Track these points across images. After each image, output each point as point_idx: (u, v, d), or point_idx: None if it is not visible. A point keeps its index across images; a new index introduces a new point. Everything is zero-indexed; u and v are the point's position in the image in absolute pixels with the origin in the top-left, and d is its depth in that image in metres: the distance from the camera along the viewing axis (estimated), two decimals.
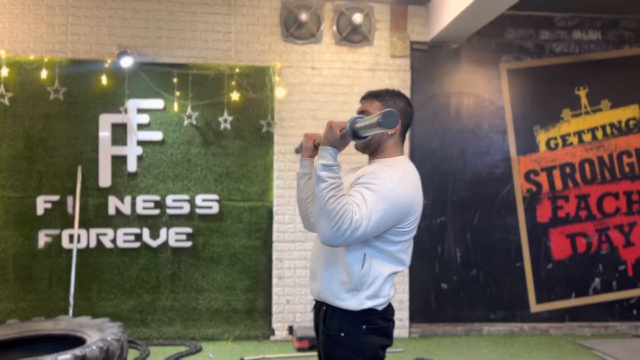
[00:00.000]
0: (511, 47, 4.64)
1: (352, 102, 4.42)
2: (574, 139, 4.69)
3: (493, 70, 4.63)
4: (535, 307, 4.69)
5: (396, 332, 4.40)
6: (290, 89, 4.37)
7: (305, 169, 2.02)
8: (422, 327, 4.57)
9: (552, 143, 4.67)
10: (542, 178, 4.67)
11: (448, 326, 4.60)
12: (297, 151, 2.20)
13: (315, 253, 1.92)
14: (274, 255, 4.37)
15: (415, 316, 4.55)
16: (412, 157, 4.48)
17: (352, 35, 4.39)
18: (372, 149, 1.91)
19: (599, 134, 4.70)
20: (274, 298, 4.36)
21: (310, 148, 2.00)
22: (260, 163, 4.39)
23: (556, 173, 4.68)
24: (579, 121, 4.69)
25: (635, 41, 4.72)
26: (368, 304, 1.74)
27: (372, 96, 1.92)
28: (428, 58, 4.56)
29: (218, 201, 4.34)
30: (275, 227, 4.37)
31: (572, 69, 4.68)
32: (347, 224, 1.57)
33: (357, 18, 4.27)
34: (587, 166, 4.69)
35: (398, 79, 4.46)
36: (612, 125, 4.70)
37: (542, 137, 4.66)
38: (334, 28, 4.38)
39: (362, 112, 1.89)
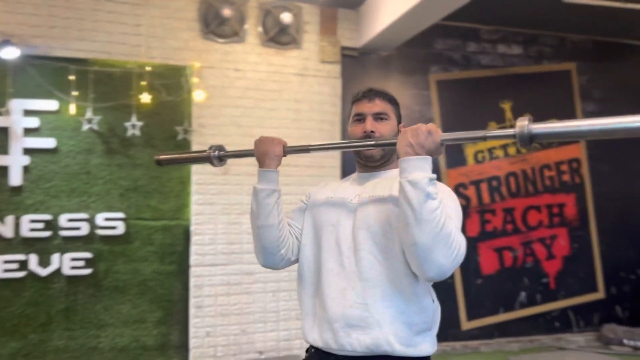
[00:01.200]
0: (440, 57, 4.53)
1: (280, 108, 4.03)
2: (500, 152, 4.67)
3: (423, 80, 4.48)
4: (466, 325, 4.55)
5: None
6: (211, 92, 3.88)
7: (273, 183, 1.61)
8: None
9: (479, 156, 4.61)
10: (471, 192, 4.59)
11: None
12: (215, 161, 1.79)
13: (346, 292, 1.51)
14: (192, 281, 3.81)
15: None
16: (344, 172, 4.18)
17: (279, 37, 4.01)
18: (386, 159, 1.67)
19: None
20: (192, 331, 3.79)
21: (279, 156, 1.63)
22: (175, 175, 3.84)
23: (484, 186, 4.62)
24: None
25: (553, 57, 4.84)
26: (435, 345, 1.52)
27: (381, 95, 1.67)
28: (358, 65, 4.30)
29: (124, 220, 3.71)
30: (193, 249, 3.82)
31: (497, 81, 4.68)
32: (463, 247, 1.34)
33: (286, 18, 3.90)
34: (512, 180, 4.69)
35: (328, 85, 4.15)
36: None
37: (470, 151, 4.58)
38: (260, 28, 3.98)
39: (379, 113, 1.65)
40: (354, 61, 4.28)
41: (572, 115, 4.82)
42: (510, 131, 1.33)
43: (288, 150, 1.67)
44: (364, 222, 1.55)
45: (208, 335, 3.82)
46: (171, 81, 3.80)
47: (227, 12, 3.81)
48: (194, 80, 3.83)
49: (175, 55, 3.82)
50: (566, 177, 4.85)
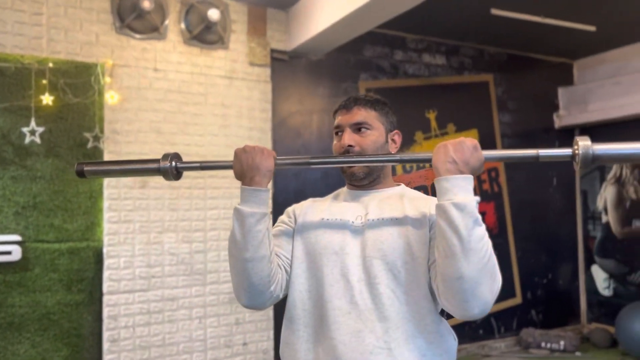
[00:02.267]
0: (369, 64, 4.41)
1: (206, 113, 3.65)
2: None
3: (352, 87, 4.33)
4: None
5: None
6: (126, 93, 3.41)
7: (264, 206, 1.30)
8: None
9: (407, 165, 4.55)
10: None
11: None
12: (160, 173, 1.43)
13: (363, 335, 1.25)
14: (105, 311, 3.30)
15: None
16: (274, 181, 3.88)
17: (204, 35, 3.64)
18: (373, 177, 1.45)
19: None
20: None
21: (271, 171, 1.33)
22: (83, 190, 3.31)
23: None
24: (430, 144, 4.67)
25: (472, 68, 4.93)
26: None
27: (361, 103, 1.45)
28: (289, 69, 4.04)
29: (20, 243, 3.12)
30: (106, 274, 3.31)
31: (423, 91, 4.66)
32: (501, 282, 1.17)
33: (213, 15, 3.54)
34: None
35: (258, 90, 3.84)
36: None
37: None
38: (182, 24, 3.58)
39: (359, 123, 1.43)
40: (283, 65, 4.02)
41: (491, 126, 4.95)
42: (567, 151, 1.18)
43: (279, 163, 1.38)
44: (377, 249, 1.31)
45: None
46: (78, 80, 3.28)
47: (145, 4, 3.36)
48: (106, 79, 3.34)
49: (84, 50, 3.31)
50: (486, 186, 4.96)
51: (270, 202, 1.34)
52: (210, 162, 1.51)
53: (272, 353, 3.78)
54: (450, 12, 4.15)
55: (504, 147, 5.05)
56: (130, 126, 3.41)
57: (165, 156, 1.42)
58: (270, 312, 3.79)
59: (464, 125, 4.83)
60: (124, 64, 3.41)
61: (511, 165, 5.07)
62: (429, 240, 1.29)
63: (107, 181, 3.34)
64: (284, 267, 1.39)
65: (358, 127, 1.43)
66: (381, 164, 1.43)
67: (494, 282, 1.13)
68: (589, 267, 5.45)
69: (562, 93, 5.42)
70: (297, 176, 4.00)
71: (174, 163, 1.43)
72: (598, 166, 1.13)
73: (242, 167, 1.32)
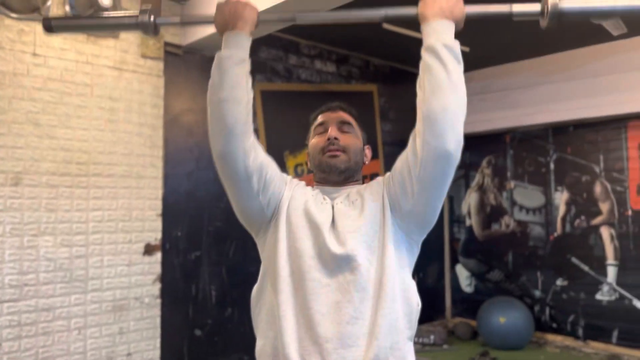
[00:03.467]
0: (264, 66, 4.39)
1: (91, 106, 3.36)
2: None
3: None
4: None
5: None
6: None
7: (243, 50, 1.31)
8: None
9: (299, 169, 4.60)
10: None
11: None
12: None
13: (340, 306, 1.26)
14: None
15: None
16: (165, 182, 3.69)
17: None
18: (351, 172, 1.49)
19: None
20: None
21: (254, 20, 1.34)
22: None
23: None
24: None
25: (359, 77, 5.14)
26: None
27: (345, 108, 1.56)
28: (182, 64, 3.87)
29: None
30: None
31: (315, 97, 4.75)
32: None
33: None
34: None
35: (150, 84, 3.62)
36: None
37: (291, 163, 4.54)
38: (67, 6, 3.26)
39: (344, 122, 1.51)
40: (177, 60, 3.84)
41: (374, 134, 5.20)
42: (536, 6, 1.31)
43: (263, 20, 1.37)
44: (352, 225, 1.34)
45: None
46: None
47: None
48: None
49: None
50: None
51: (248, 49, 1.31)
52: (190, 17, 1.44)
53: None
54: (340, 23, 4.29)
55: (385, 154, 5.34)
56: (2, 116, 3.02)
57: (144, 11, 1.39)
58: (157, 320, 3.60)
59: None
60: None
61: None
62: (389, 191, 1.37)
63: None
64: (265, 158, 1.38)
65: (343, 125, 1.49)
66: (366, 22, 1.44)
67: (463, 120, 1.24)
68: (454, 267, 5.97)
69: None
70: (189, 177, 3.85)
71: (152, 17, 1.39)
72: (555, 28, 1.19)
73: (224, 16, 1.31)
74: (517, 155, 5.48)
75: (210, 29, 3.54)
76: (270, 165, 1.38)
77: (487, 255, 5.69)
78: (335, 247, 1.30)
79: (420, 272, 5.71)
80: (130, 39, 3.54)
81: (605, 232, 4.82)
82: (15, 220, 3.06)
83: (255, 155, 1.32)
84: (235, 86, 1.27)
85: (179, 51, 3.82)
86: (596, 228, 4.89)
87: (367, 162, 1.57)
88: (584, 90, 4.74)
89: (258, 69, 4.33)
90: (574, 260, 5.03)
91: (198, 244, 3.90)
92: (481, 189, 5.76)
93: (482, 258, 5.74)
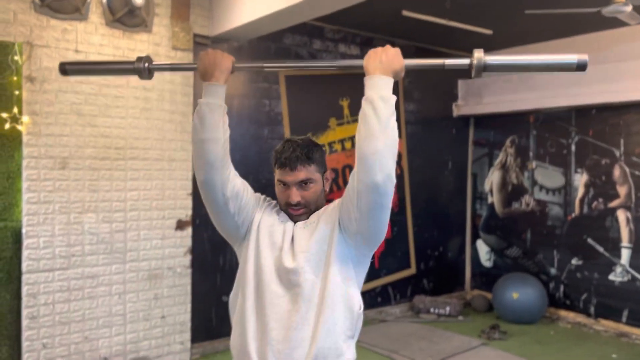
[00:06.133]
0: (289, 52, 4.62)
1: (127, 96, 3.72)
2: (338, 146, 5.00)
3: (273, 74, 4.53)
4: None
5: (177, 358, 3.96)
6: (46, 75, 3.39)
7: (219, 98, 1.55)
8: (204, 346, 4.23)
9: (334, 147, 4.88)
10: None
11: (229, 340, 4.36)
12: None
13: (291, 314, 1.53)
14: (24, 290, 3.37)
15: (197, 336, 4.17)
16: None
17: (127, 18, 3.66)
18: (314, 207, 1.69)
19: None
20: (25, 345, 3.37)
21: (229, 69, 1.59)
22: (1, 170, 3.30)
23: None
24: (342, 130, 5.02)
25: None
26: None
27: (303, 161, 1.63)
28: None
29: None
30: (25, 253, 3.36)
31: (338, 80, 4.96)
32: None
33: None
34: (347, 171, 5.07)
35: (180, 74, 3.94)
36: None
37: None
38: (105, 5, 3.58)
39: (303, 181, 1.63)
40: (205, 49, 4.12)
41: (397, 114, 5.37)
42: (466, 61, 1.51)
43: (237, 67, 1.65)
44: (304, 245, 1.60)
45: (45, 347, 3.44)
46: None
47: None
48: (24, 60, 3.30)
49: (0, 29, 3.24)
50: None
51: (224, 96, 1.57)
52: (178, 64, 1.77)
53: (188, 325, 4.04)
54: (366, 8, 4.43)
55: (407, 134, 5.52)
56: (50, 108, 3.42)
57: (139, 58, 1.69)
58: (188, 287, 4.03)
59: None
60: (44, 44, 3.38)
61: (413, 149, 5.57)
62: (341, 215, 1.58)
63: (26, 162, 3.35)
64: (241, 186, 1.64)
65: (303, 183, 1.64)
66: (322, 68, 1.94)
67: (394, 161, 1.44)
68: (475, 242, 6.17)
69: (461, 85, 5.96)
70: None
71: (146, 64, 1.69)
72: (488, 71, 1.34)
73: (204, 65, 1.58)
74: (540, 136, 5.55)
75: (238, 21, 3.79)
76: (245, 191, 1.65)
77: (507, 232, 5.86)
78: (288, 263, 1.57)
79: (441, 247, 5.95)
80: (162, 32, 3.84)
81: (622, 215, 4.90)
82: (63, 200, 3.49)
83: (233, 185, 1.59)
84: (214, 128, 1.51)
85: (207, 42, 4.10)
86: (613, 211, 4.97)
87: (327, 189, 1.74)
88: (608, 74, 4.75)
89: (282, 55, 4.57)
90: (590, 241, 5.14)
91: None
92: (504, 167, 5.88)
93: (502, 234, 5.91)
